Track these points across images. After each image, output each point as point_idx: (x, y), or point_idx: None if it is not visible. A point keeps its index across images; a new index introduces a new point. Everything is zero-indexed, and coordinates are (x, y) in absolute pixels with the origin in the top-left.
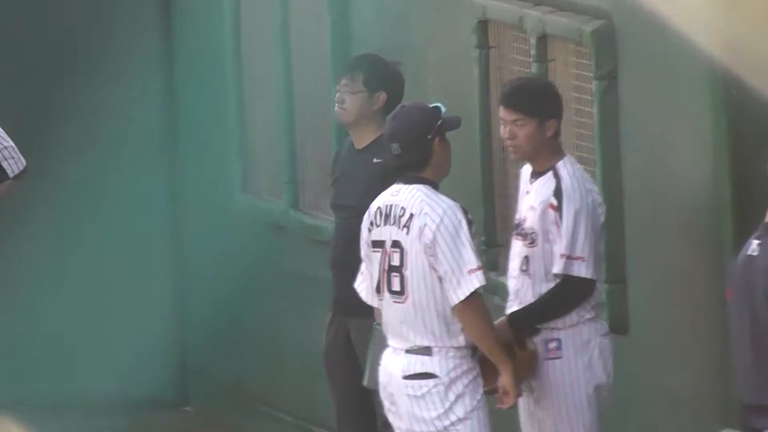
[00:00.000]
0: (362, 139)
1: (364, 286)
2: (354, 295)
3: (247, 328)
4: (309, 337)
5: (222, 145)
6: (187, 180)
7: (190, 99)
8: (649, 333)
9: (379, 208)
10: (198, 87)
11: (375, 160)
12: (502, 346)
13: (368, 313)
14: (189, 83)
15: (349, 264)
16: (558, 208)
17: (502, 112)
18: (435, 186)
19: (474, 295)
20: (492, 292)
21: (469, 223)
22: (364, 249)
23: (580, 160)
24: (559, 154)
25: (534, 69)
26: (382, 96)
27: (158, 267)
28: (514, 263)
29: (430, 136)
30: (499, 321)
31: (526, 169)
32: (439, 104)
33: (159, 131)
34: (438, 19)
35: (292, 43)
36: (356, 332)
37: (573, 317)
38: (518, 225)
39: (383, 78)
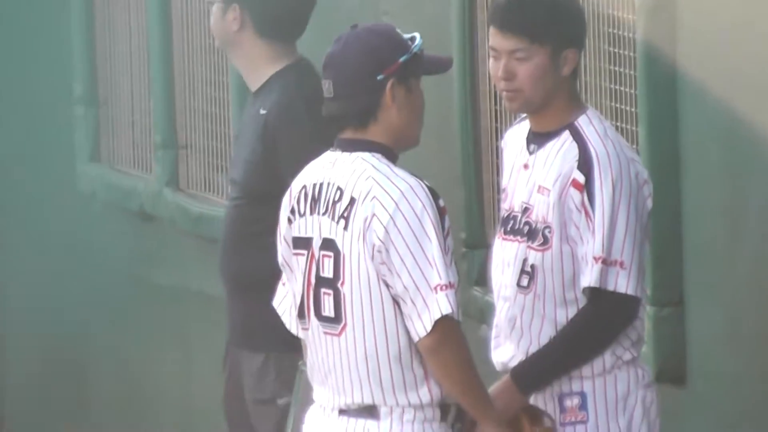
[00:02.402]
0: (251, 77)
1: (285, 305)
2: (254, 317)
3: (95, 369)
4: (190, 382)
5: (59, 91)
6: (1, 140)
7: (8, 25)
8: (716, 384)
9: (304, 187)
10: (21, 5)
11: (261, 112)
12: (494, 405)
13: (283, 345)
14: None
15: (242, 271)
16: (587, 187)
17: (494, 38)
18: (390, 155)
19: (447, 323)
20: (478, 318)
21: (440, 212)
22: (282, 250)
23: (615, 118)
24: (578, 105)
25: None
26: (236, 10)
27: None
28: (504, 276)
29: (381, 76)
30: (500, 384)
31: (517, 133)
32: (414, 35)
33: None
34: None
35: None
36: (250, 375)
37: (605, 360)
38: (510, 217)
39: None
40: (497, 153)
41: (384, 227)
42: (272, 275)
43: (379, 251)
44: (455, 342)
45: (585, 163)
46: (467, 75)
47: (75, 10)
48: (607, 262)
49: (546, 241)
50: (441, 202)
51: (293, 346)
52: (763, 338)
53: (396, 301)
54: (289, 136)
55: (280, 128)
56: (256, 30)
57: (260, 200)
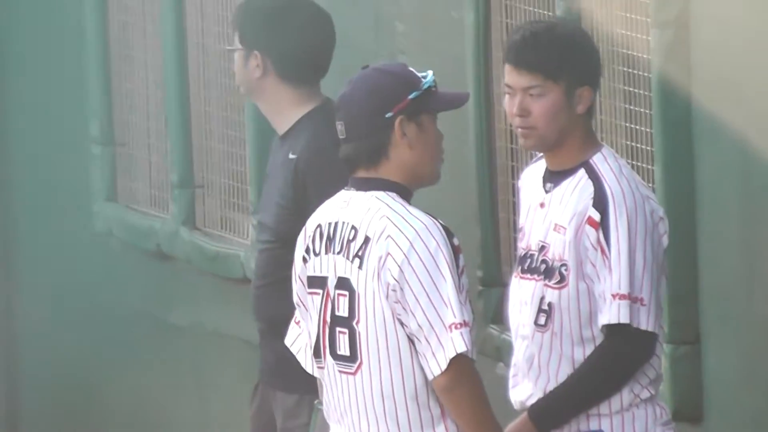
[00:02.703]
0: (278, 121)
1: (299, 343)
2: (289, 359)
3: (110, 408)
4: (206, 420)
5: (75, 131)
6: (18, 179)
7: (24, 64)
8: (733, 422)
9: (319, 226)
10: (38, 45)
11: (290, 156)
12: None
13: (304, 386)
14: (24, 42)
15: (277, 313)
16: (602, 225)
17: (509, 75)
18: (404, 194)
19: (462, 362)
20: (494, 356)
21: (455, 251)
22: (297, 289)
23: (630, 156)
24: (593, 143)
25: (559, 10)
26: (258, 58)
27: None
28: (522, 315)
29: (389, 114)
30: (517, 422)
31: (533, 172)
32: (427, 72)
33: None
34: None
35: None
36: (282, 415)
37: (623, 397)
38: (527, 256)
39: (259, 28)
40: (513, 191)
41: (399, 266)
42: None
43: (394, 290)
44: (470, 380)
45: (600, 201)
46: (483, 113)
47: (91, 50)
48: (626, 299)
49: (563, 279)
50: (455, 241)
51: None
52: None
53: (411, 340)
54: (320, 180)
55: (311, 172)
56: (278, 75)
57: (292, 243)
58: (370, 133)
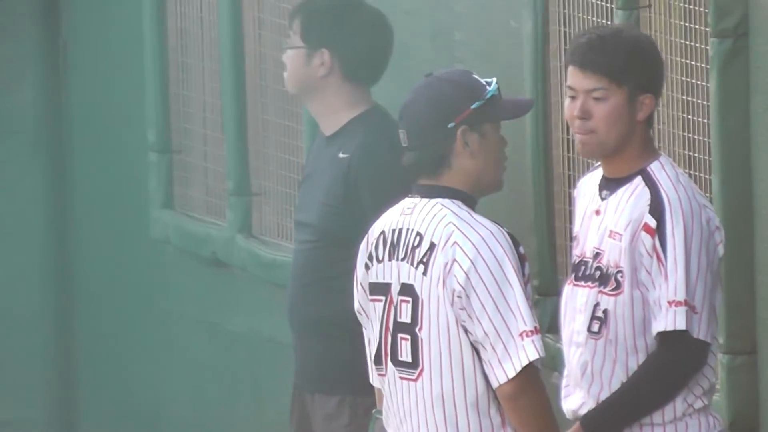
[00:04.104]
0: (328, 121)
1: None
2: (330, 360)
3: (168, 416)
4: (262, 428)
5: (133, 138)
6: (76, 188)
7: (85, 73)
8: None
9: (382, 233)
10: (98, 54)
11: (341, 155)
12: None
13: (359, 388)
14: (85, 51)
15: (319, 313)
16: (658, 232)
17: (573, 77)
18: (469, 201)
19: (529, 370)
20: (550, 366)
21: (521, 258)
22: (359, 296)
23: (687, 166)
24: (651, 152)
25: (618, 18)
26: (325, 55)
27: (34, 315)
28: (576, 322)
29: (452, 124)
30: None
31: (590, 181)
32: (491, 80)
33: (37, 116)
34: None
35: None
36: (323, 418)
37: (676, 407)
38: (581, 263)
39: (325, 27)
40: (570, 200)
41: (465, 273)
42: (345, 317)
43: (459, 297)
44: (536, 389)
45: (656, 208)
46: (540, 122)
47: (149, 58)
48: (682, 306)
49: (618, 285)
50: (521, 249)
51: (368, 390)
52: None
53: (474, 347)
54: (375, 180)
55: (365, 172)
56: (343, 74)
57: (338, 243)
58: (432, 142)
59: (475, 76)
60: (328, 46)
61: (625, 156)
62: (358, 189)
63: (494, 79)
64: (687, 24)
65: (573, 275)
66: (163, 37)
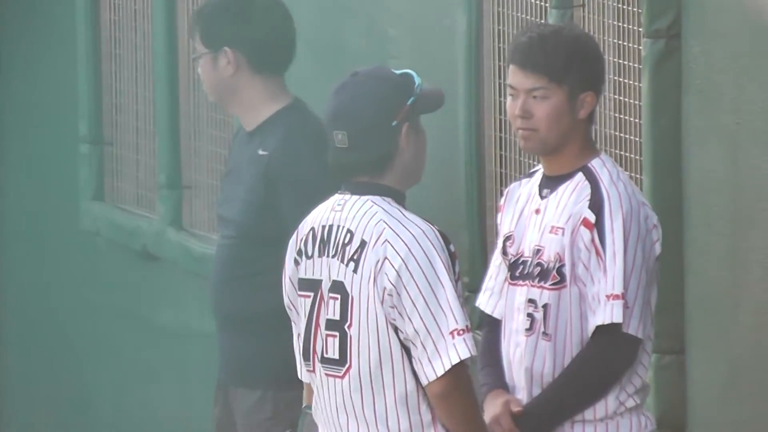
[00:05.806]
0: (249, 118)
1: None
2: (251, 355)
3: (95, 408)
4: (190, 420)
5: (64, 129)
6: (6, 178)
7: (16, 63)
8: None
9: (312, 229)
10: (30, 44)
11: (260, 152)
12: None
13: (280, 383)
14: (17, 41)
15: (238, 309)
16: (597, 226)
17: (514, 76)
18: (399, 198)
19: (458, 369)
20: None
21: (452, 257)
22: (288, 291)
23: (619, 163)
24: (592, 150)
25: (552, 17)
26: (228, 54)
27: None
28: (514, 321)
29: (395, 122)
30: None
31: (522, 187)
32: (409, 71)
33: None
34: None
35: None
36: (244, 412)
37: (608, 405)
38: (519, 262)
39: (223, 26)
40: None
41: (396, 271)
42: (268, 313)
43: (390, 294)
44: (464, 387)
45: (596, 203)
46: (473, 119)
47: (82, 49)
48: (619, 299)
49: (562, 278)
50: (452, 247)
51: (290, 385)
52: (764, 387)
53: (404, 345)
54: (295, 178)
55: (285, 169)
56: (251, 67)
57: (260, 240)
58: (377, 142)
59: (396, 71)
60: (229, 43)
61: (567, 153)
62: (278, 187)
63: (413, 73)
64: (620, 24)
65: (509, 274)
66: (97, 28)
